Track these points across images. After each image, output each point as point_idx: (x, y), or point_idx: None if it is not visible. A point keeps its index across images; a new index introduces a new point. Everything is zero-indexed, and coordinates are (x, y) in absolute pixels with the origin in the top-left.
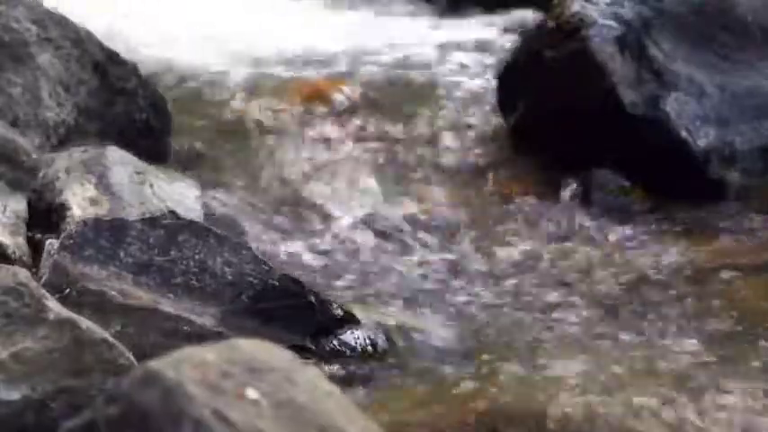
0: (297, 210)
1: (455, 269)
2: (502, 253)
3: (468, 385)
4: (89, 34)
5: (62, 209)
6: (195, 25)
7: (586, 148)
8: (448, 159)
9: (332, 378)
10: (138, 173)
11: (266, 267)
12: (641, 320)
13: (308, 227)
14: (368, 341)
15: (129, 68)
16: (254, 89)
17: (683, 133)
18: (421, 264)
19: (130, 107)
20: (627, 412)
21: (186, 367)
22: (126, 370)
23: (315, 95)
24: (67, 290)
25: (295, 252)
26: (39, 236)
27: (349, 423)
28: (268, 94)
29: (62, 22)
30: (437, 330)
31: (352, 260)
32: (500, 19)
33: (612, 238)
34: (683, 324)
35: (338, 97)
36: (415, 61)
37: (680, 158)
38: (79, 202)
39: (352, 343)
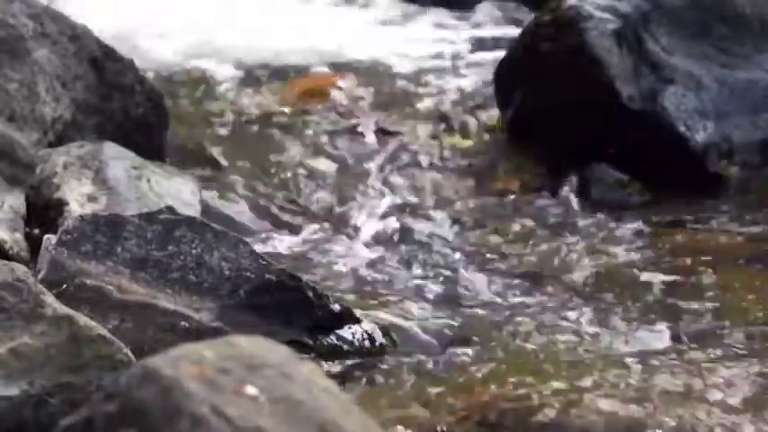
0: (294, 205)
1: (453, 264)
2: (500, 248)
3: (466, 381)
4: (86, 30)
5: (60, 204)
6: (193, 21)
7: (584, 143)
8: (446, 154)
9: (329, 374)
10: (136, 168)
11: (264, 262)
12: (640, 314)
13: (306, 222)
14: (366, 337)
15: (126, 64)
16: (251, 85)
17: (682, 127)
18: (419, 259)
19: (127, 103)
20: (623, 408)
21: (184, 364)
22: (124, 366)
23: (313, 92)
24: (65, 285)
25: (293, 247)
26: (37, 232)
27: (346, 419)
28: (266, 90)
29: (59, 17)
30: (435, 327)
31: (350, 256)
32: (497, 14)
33: (611, 232)
34: (682, 317)
35: (335, 93)
36: (413, 57)
37: (678, 152)
38: (76, 197)
39: (350, 339)
